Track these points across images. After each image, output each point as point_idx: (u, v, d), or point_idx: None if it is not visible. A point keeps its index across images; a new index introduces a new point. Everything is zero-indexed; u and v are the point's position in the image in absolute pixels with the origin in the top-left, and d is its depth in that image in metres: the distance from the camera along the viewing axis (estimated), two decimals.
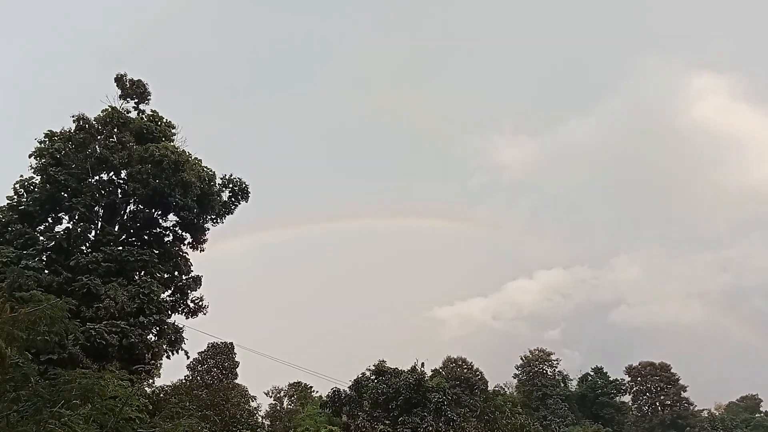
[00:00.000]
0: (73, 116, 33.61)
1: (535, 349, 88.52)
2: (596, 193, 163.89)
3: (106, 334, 28.55)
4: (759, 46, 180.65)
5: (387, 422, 52.16)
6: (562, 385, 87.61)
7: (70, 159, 32.77)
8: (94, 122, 34.12)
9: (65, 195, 32.64)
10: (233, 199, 37.13)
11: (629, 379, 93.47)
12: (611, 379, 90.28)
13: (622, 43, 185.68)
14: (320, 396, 70.46)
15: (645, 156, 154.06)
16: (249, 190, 37.42)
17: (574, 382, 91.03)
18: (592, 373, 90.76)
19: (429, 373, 56.64)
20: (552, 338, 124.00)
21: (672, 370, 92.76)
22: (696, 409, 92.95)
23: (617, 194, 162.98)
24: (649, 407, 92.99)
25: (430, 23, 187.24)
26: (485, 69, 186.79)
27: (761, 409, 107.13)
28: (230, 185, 36.98)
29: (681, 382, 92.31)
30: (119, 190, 34.66)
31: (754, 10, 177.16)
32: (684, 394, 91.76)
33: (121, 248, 32.66)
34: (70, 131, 33.59)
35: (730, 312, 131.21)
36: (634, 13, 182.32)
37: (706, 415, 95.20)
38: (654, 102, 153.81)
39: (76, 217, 32.61)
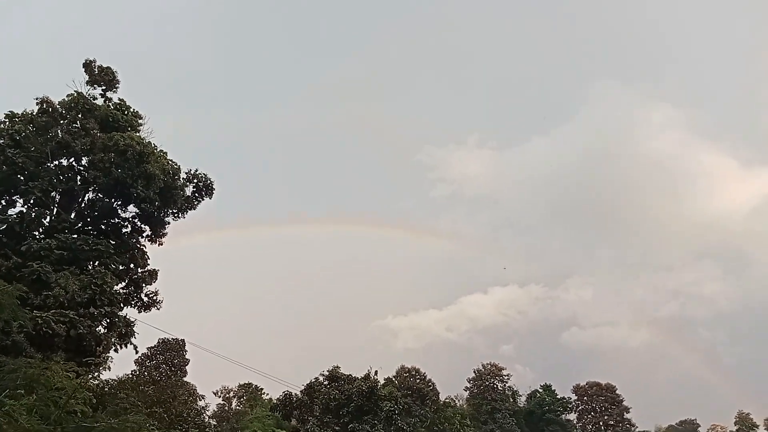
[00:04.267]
0: (36, 99, 32.64)
1: (487, 363, 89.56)
2: (554, 213, 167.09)
3: (53, 324, 27.61)
4: (716, 83, 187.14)
5: (337, 428, 51.97)
6: (512, 400, 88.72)
7: (30, 142, 31.78)
8: (57, 106, 33.21)
9: (21, 178, 31.64)
10: (197, 195, 36.53)
11: (576, 397, 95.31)
12: (559, 396, 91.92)
13: (583, 66, 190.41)
14: (271, 399, 69.87)
15: (601, 180, 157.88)
16: (213, 186, 36.86)
17: (523, 398, 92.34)
18: (540, 390, 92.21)
19: (382, 382, 56.67)
20: (506, 353, 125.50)
21: (617, 391, 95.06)
22: (637, 430, 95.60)
23: (574, 215, 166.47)
24: (593, 426, 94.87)
25: (402, 40, 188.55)
26: (452, 83, 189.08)
27: None
28: (195, 180, 36.37)
29: (625, 403, 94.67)
30: (79, 177, 33.76)
31: (712, 47, 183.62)
32: (627, 415, 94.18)
33: (76, 236, 31.74)
34: (32, 113, 32.62)
35: (676, 339, 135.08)
36: (598, 40, 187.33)
37: None
38: (612, 129, 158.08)
39: (32, 202, 31.68)
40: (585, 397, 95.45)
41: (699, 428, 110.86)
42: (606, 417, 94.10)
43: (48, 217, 32.27)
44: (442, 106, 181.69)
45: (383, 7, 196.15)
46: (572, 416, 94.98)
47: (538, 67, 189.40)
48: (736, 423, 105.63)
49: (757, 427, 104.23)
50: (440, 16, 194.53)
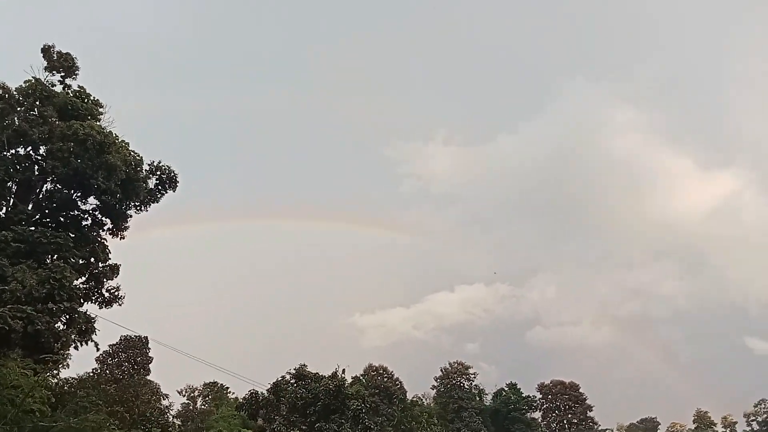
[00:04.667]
0: None
1: (454, 362, 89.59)
2: (520, 210, 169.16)
3: (9, 319, 26.31)
4: (679, 87, 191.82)
5: (304, 427, 51.26)
6: (478, 398, 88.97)
7: None
8: (14, 93, 31.84)
9: None
10: (160, 187, 35.54)
11: (540, 396, 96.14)
12: (524, 395, 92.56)
13: (551, 65, 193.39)
14: (236, 398, 68.65)
15: (566, 178, 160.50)
16: (177, 179, 35.92)
17: (489, 397, 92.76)
18: (506, 389, 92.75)
19: (349, 380, 56.15)
20: (471, 351, 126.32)
21: (580, 390, 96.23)
22: (600, 428, 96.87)
23: (539, 212, 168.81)
24: (557, 424, 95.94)
25: (372, 36, 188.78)
26: (420, 79, 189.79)
27: (658, 430, 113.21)
28: (158, 172, 35.36)
29: (588, 401, 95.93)
30: (36, 167, 32.48)
31: (678, 51, 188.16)
32: (590, 414, 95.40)
33: (33, 228, 30.56)
34: None
35: (637, 338, 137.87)
36: (566, 39, 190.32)
37: None
38: (578, 128, 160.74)
39: None
40: (549, 396, 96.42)
41: (659, 426, 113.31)
42: (570, 415, 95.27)
43: (4, 209, 31.03)
44: (410, 101, 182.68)
45: (355, 7, 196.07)
46: (537, 415, 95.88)
47: (507, 65, 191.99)
48: (694, 421, 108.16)
49: (715, 425, 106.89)
50: (410, 15, 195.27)
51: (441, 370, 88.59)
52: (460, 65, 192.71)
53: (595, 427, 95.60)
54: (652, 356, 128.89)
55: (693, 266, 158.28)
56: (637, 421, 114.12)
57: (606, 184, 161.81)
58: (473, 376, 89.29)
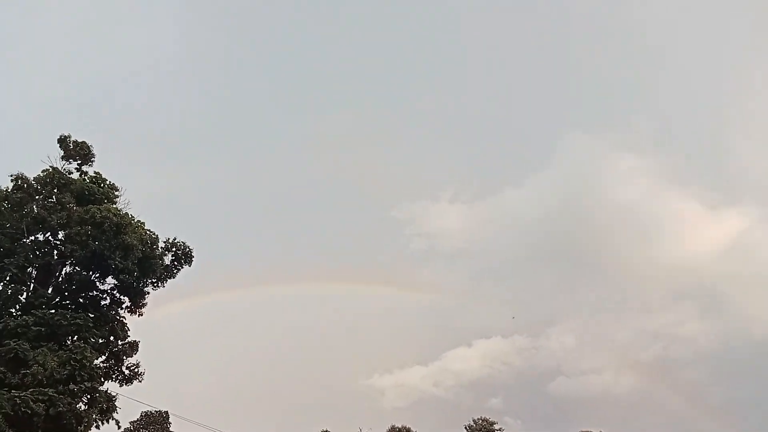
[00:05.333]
0: (11, 175, 32.69)
1: (478, 419, 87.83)
2: (530, 261, 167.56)
3: (32, 403, 26.96)
4: (679, 131, 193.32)
5: None
6: None
7: (5, 218, 31.76)
8: (33, 182, 33.23)
9: None
10: (176, 263, 36.32)
11: None
12: None
13: (551, 120, 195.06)
14: None
15: (575, 227, 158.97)
16: (193, 254, 36.66)
17: None
18: None
19: None
20: (494, 406, 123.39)
21: None
22: None
23: (550, 263, 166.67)
24: None
25: (378, 95, 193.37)
26: (425, 140, 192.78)
27: None
28: (173, 249, 36.20)
29: None
30: (55, 251, 33.51)
31: (674, 98, 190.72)
32: None
33: (53, 311, 31.26)
34: (6, 190, 32.62)
35: (662, 382, 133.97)
36: (564, 94, 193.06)
37: None
38: (582, 178, 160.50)
39: (7, 279, 31.35)
40: None
41: None
42: None
43: (24, 294, 31.90)
44: (413, 162, 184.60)
45: (358, 70, 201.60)
46: None
47: (508, 123, 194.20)
48: None
49: None
50: (411, 74, 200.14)
51: (465, 428, 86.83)
52: (463, 124, 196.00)
53: None
54: (679, 400, 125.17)
55: (712, 306, 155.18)
56: None
57: (615, 230, 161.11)
58: (499, 431, 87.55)
